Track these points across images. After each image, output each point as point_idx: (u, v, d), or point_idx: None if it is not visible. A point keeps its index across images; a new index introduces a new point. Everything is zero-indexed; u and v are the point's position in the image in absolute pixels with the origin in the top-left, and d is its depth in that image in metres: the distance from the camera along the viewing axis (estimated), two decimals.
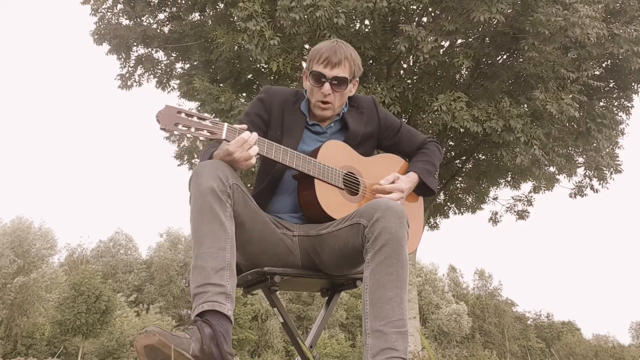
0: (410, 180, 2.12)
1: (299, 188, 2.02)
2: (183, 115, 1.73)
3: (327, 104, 2.07)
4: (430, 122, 9.59)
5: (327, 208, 1.94)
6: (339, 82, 2.06)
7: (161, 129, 1.69)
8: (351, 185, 2.05)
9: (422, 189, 2.19)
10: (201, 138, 1.75)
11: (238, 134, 1.78)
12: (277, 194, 2.08)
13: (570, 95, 9.37)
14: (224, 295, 1.63)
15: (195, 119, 1.74)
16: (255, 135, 1.80)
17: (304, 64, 2.28)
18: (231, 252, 1.70)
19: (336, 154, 2.04)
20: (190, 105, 13.31)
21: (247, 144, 1.77)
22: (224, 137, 1.76)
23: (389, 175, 2.08)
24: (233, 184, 1.76)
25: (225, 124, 1.78)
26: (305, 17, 8.51)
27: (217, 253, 1.67)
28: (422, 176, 2.14)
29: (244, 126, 1.81)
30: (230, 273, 1.68)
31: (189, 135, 1.73)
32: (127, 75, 12.38)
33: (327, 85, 2.05)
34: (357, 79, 2.18)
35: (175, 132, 1.71)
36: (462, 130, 9.46)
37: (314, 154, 2.01)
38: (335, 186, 2.00)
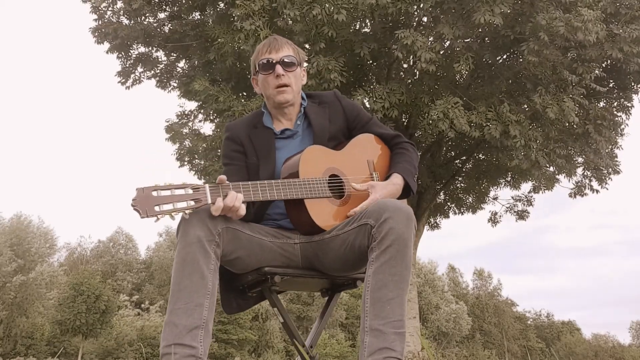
0: (392, 182, 2.00)
1: (287, 209, 1.95)
2: (159, 193, 1.61)
3: (285, 86, 2.04)
4: (430, 122, 9.58)
5: (321, 223, 1.91)
6: (288, 63, 2.05)
7: (142, 218, 1.56)
8: (336, 188, 2.00)
9: (403, 191, 2.08)
10: (187, 211, 1.63)
11: (222, 191, 1.70)
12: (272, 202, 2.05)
13: (571, 96, 9.34)
14: (194, 358, 1.58)
15: (173, 192, 1.63)
16: (237, 197, 1.71)
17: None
18: (209, 309, 1.65)
19: (315, 162, 1.98)
20: (191, 106, 13.33)
21: (235, 208, 1.70)
22: (209, 201, 1.67)
23: (364, 184, 1.97)
24: (223, 228, 1.72)
25: (207, 186, 1.69)
26: (302, 14, 8.44)
27: (194, 310, 1.62)
28: (406, 177, 2.03)
29: (223, 177, 1.72)
30: (205, 333, 1.62)
31: (174, 214, 1.61)
32: (127, 73, 12.37)
33: (278, 67, 2.03)
34: (305, 68, 2.18)
35: (159, 216, 1.59)
36: (459, 133, 9.44)
37: (294, 168, 1.94)
38: (323, 197, 1.95)
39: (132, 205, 1.57)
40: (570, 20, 8.41)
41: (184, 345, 1.58)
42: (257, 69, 2.10)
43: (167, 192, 1.62)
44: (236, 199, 1.70)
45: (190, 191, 1.65)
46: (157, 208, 1.59)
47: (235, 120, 2.21)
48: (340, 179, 2.02)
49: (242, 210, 1.73)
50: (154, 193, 1.60)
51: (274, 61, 2.04)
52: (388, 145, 2.18)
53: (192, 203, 1.64)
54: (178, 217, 1.64)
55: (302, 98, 2.16)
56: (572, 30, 8.39)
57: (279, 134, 2.10)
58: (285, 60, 2.05)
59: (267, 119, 2.12)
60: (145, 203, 1.58)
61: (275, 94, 2.06)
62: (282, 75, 2.03)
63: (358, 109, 2.20)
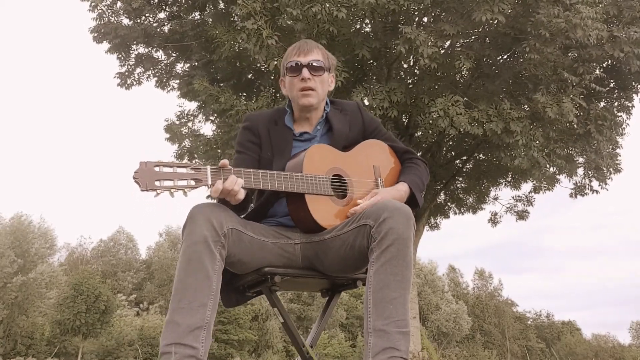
0: (396, 189, 2.02)
1: (288, 202, 1.95)
2: (161, 168, 1.62)
3: (310, 90, 2.05)
4: (431, 122, 9.57)
5: (320, 220, 1.91)
6: (316, 67, 2.06)
7: (142, 191, 1.57)
8: (339, 188, 2.00)
9: (408, 203, 2.07)
10: (187, 190, 1.64)
11: (223, 174, 1.70)
12: (277, 199, 2.06)
13: (571, 96, 9.33)
14: (194, 359, 1.56)
15: (175, 169, 1.64)
16: (237, 181, 1.72)
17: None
18: (212, 310, 1.64)
19: (320, 159, 1.98)
20: (191, 106, 13.32)
21: (234, 192, 1.71)
22: (209, 182, 1.68)
23: (367, 196, 1.97)
24: (228, 229, 1.72)
25: (208, 167, 1.69)
26: (304, 12, 8.46)
27: (197, 310, 1.61)
28: (413, 188, 2.03)
29: (226, 161, 1.71)
30: (206, 334, 1.61)
31: (173, 190, 1.61)
32: (127, 73, 12.36)
33: (305, 71, 2.04)
34: (334, 75, 2.19)
35: (159, 191, 1.59)
36: (461, 131, 9.44)
37: (299, 163, 1.94)
38: (325, 195, 1.94)
39: (134, 178, 1.57)
40: (569, 17, 8.42)
41: (185, 345, 1.57)
42: (285, 71, 2.11)
43: (169, 169, 1.63)
44: (235, 183, 1.71)
45: (192, 171, 1.66)
46: (157, 183, 1.59)
47: (257, 112, 2.22)
48: (344, 179, 2.02)
49: (241, 195, 1.73)
50: (156, 168, 1.61)
51: (301, 64, 2.05)
52: (400, 160, 2.18)
53: (193, 183, 1.65)
54: (177, 194, 1.63)
55: (326, 103, 2.17)
56: (572, 28, 8.39)
57: (297, 135, 2.11)
58: (314, 64, 2.06)
59: (289, 119, 2.13)
60: (147, 177, 1.58)
61: (300, 96, 2.06)
62: (308, 78, 2.04)
63: (377, 123, 2.24)
